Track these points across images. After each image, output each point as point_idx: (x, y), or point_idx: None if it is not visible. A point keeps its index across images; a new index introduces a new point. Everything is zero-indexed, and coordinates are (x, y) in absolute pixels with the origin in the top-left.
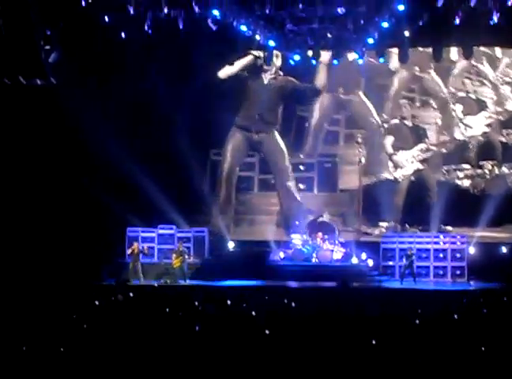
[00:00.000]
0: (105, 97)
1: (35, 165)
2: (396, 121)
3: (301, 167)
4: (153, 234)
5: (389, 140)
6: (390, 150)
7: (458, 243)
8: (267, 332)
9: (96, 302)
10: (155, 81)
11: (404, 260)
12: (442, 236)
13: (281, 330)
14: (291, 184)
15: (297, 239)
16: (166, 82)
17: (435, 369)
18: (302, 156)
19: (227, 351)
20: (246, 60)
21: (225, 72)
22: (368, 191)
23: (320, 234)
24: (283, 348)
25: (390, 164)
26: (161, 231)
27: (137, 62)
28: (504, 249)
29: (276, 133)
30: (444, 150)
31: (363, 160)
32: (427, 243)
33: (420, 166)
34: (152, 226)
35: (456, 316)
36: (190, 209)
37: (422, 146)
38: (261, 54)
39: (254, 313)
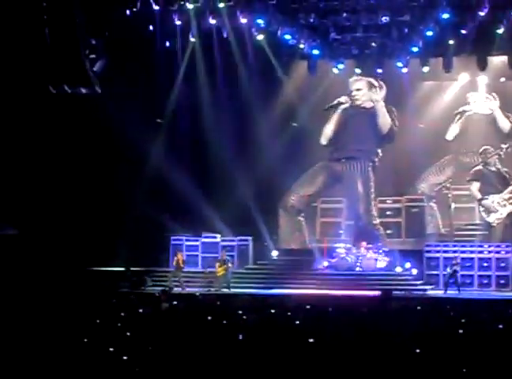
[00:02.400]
0: (150, 106)
1: (80, 175)
2: (479, 167)
3: (388, 213)
4: (197, 243)
5: (475, 186)
6: (479, 195)
7: (503, 252)
8: (311, 340)
9: (140, 310)
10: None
11: (448, 269)
12: (486, 245)
13: (324, 339)
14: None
15: (341, 248)
16: (211, 91)
17: None
18: (389, 201)
19: (271, 360)
20: (337, 114)
21: (326, 136)
22: (461, 235)
23: (364, 243)
24: (326, 357)
25: (481, 209)
26: (205, 240)
27: (181, 71)
28: None
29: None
30: None
31: (453, 205)
32: (472, 252)
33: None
34: (197, 235)
35: (501, 325)
36: (235, 219)
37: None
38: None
39: (297, 321)
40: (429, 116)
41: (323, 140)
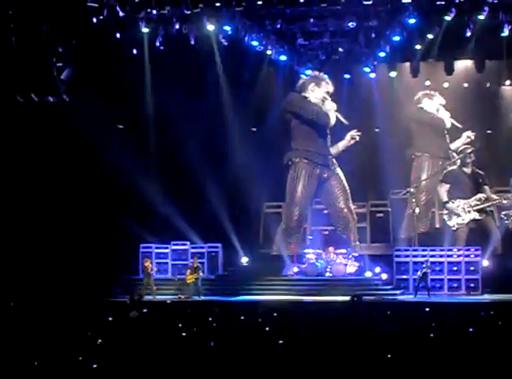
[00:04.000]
0: (118, 114)
1: (47, 182)
2: (454, 167)
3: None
4: (167, 250)
5: (444, 188)
6: (445, 198)
7: (472, 256)
8: (280, 342)
9: (110, 319)
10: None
11: (418, 273)
12: (455, 249)
13: (294, 345)
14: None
15: (310, 254)
16: (179, 98)
17: None
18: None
19: (242, 366)
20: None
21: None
22: (423, 240)
23: (332, 248)
24: (297, 363)
25: (444, 212)
26: (175, 247)
27: (149, 79)
28: None
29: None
30: (505, 201)
31: (417, 211)
32: (441, 256)
33: (477, 217)
34: (166, 242)
35: (471, 329)
36: (205, 226)
37: (480, 196)
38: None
39: (267, 327)
40: (396, 121)
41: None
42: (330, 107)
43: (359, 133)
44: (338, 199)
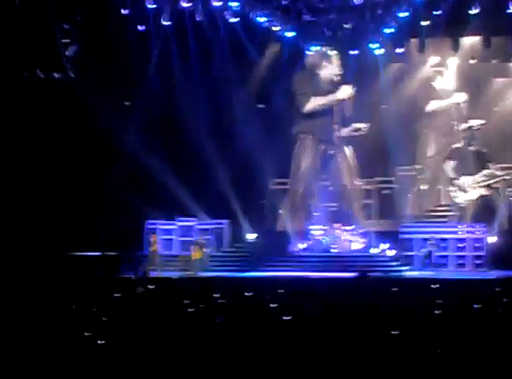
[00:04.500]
0: (124, 90)
1: (53, 158)
2: (459, 145)
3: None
4: (173, 227)
5: (449, 165)
6: (452, 175)
7: (478, 232)
8: (286, 318)
9: (116, 295)
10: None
11: (423, 249)
12: (460, 226)
13: (300, 320)
14: None
15: (316, 230)
16: (184, 74)
17: (455, 360)
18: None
19: (248, 343)
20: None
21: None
22: (432, 216)
23: (338, 224)
24: (303, 338)
25: (451, 189)
26: (180, 224)
27: (155, 54)
28: None
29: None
30: (509, 177)
31: (423, 187)
32: (447, 233)
33: (484, 192)
34: (172, 219)
35: (477, 305)
36: (211, 203)
37: (486, 172)
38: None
39: (273, 304)
40: (400, 97)
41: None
42: (348, 94)
43: (366, 126)
44: (343, 176)
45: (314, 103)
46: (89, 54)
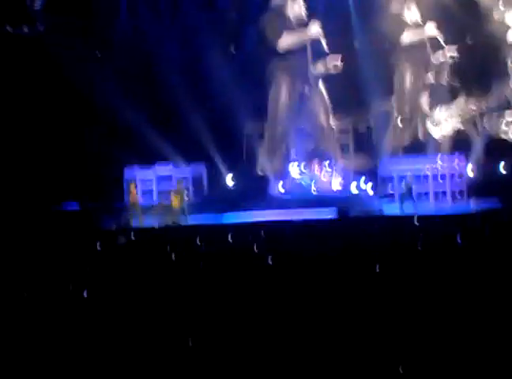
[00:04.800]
0: (95, 41)
1: (29, 113)
2: (432, 78)
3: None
4: (151, 177)
5: (424, 99)
6: (427, 109)
7: (456, 164)
8: (270, 262)
9: (98, 247)
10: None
11: (403, 186)
12: (439, 160)
13: (285, 263)
14: None
15: (295, 172)
16: (154, 19)
17: (439, 295)
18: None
19: (232, 285)
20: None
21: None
22: (409, 151)
23: (316, 161)
24: (287, 279)
25: (428, 122)
26: (159, 173)
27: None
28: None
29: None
30: (484, 106)
31: (401, 122)
32: (425, 167)
33: (459, 124)
34: (151, 167)
35: (459, 239)
36: (188, 147)
37: (459, 102)
38: None
39: (256, 247)
40: (373, 33)
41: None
42: (316, 32)
43: (339, 59)
44: (319, 117)
45: (285, 40)
46: (57, 6)
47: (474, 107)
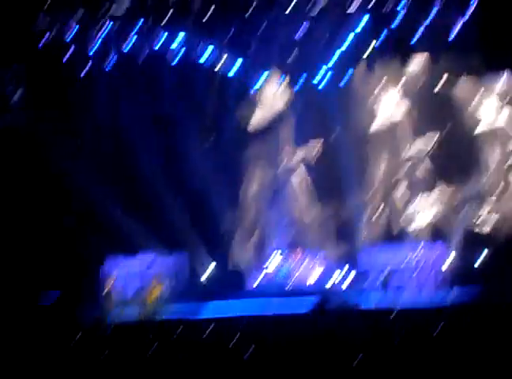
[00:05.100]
0: (73, 130)
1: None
2: (403, 172)
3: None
4: (129, 270)
5: (398, 193)
6: (401, 204)
7: (437, 252)
8: (245, 358)
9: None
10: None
11: (381, 277)
12: (420, 246)
13: (262, 358)
14: None
15: (272, 265)
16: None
17: None
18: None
19: None
20: None
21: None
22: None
23: (299, 249)
24: (266, 375)
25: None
26: (133, 269)
27: (101, 95)
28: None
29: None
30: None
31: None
32: (406, 256)
33: (439, 211)
34: (131, 254)
35: (437, 331)
36: (169, 237)
37: (436, 191)
38: None
39: (233, 343)
40: (347, 125)
41: None
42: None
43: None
44: (297, 206)
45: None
46: (36, 99)
47: (451, 198)
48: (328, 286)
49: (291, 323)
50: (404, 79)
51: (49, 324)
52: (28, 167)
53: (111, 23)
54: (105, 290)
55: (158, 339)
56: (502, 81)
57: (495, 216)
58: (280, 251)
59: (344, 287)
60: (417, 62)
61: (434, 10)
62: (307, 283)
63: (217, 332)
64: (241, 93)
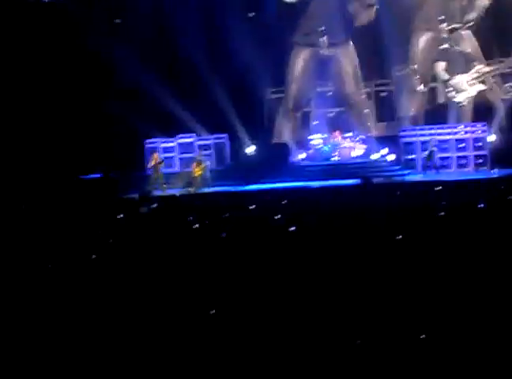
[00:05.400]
0: (113, 8)
1: (50, 84)
2: (446, 45)
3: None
4: (173, 144)
5: (441, 67)
6: (446, 76)
7: (479, 132)
8: (292, 229)
9: (121, 215)
10: None
11: (425, 152)
12: (461, 126)
13: (306, 230)
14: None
15: (316, 139)
16: None
17: (460, 262)
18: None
19: (256, 255)
20: None
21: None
22: (430, 117)
23: (338, 132)
24: (309, 247)
25: (449, 89)
26: (180, 141)
27: None
28: None
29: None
30: (502, 69)
31: (421, 87)
32: (448, 134)
33: (482, 87)
34: (172, 136)
35: (482, 205)
36: (210, 118)
37: (478, 67)
38: None
39: (277, 216)
40: None
41: None
42: None
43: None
44: (346, 83)
45: None
46: None
47: (489, 71)
48: (372, 161)
49: (337, 195)
50: None
51: (97, 197)
52: (69, 46)
53: None
54: (149, 167)
55: (203, 211)
56: None
57: None
58: (324, 129)
59: (388, 162)
60: None
61: None
62: (351, 158)
63: (262, 203)
64: None
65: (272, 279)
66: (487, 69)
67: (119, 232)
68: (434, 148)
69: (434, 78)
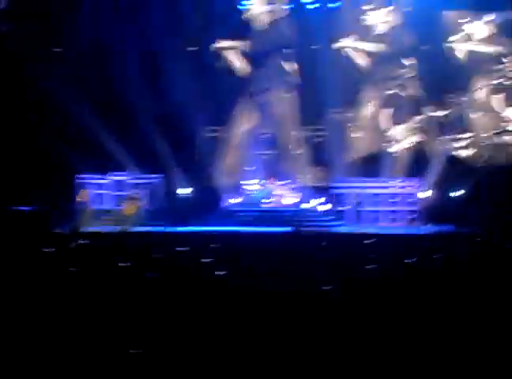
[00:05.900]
0: (52, 41)
1: None
2: (392, 91)
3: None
4: (105, 181)
5: (384, 114)
6: (384, 124)
7: (410, 188)
8: (219, 273)
9: (46, 250)
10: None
11: (352, 204)
12: (396, 181)
13: (235, 276)
14: None
15: (249, 185)
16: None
17: (387, 313)
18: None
19: (182, 298)
20: None
21: None
22: (364, 167)
23: (272, 178)
24: (236, 293)
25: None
26: (114, 178)
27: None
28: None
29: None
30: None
31: (353, 136)
32: (380, 188)
33: (418, 138)
34: (104, 173)
35: (408, 260)
36: (144, 156)
37: (420, 118)
38: None
39: (206, 259)
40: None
41: None
42: None
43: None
44: (279, 125)
45: None
46: (20, 5)
47: (432, 123)
48: (303, 210)
49: (266, 242)
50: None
51: (22, 230)
52: (4, 75)
53: None
54: (79, 202)
55: (132, 250)
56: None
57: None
58: (257, 179)
59: (319, 212)
60: None
61: None
62: (282, 207)
63: (192, 246)
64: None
65: (198, 322)
66: (425, 119)
67: (47, 266)
68: (359, 201)
69: (373, 126)
